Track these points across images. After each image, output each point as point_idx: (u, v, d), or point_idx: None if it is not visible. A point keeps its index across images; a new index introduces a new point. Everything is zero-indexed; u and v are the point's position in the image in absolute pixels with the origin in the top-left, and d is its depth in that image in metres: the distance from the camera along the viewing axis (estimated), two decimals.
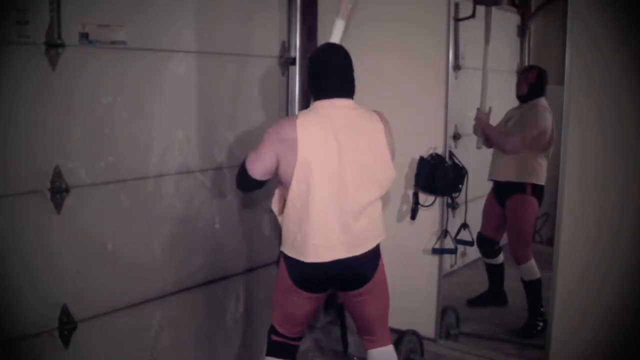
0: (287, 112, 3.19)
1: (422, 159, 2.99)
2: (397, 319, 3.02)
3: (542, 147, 3.09)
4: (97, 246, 2.37)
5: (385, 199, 3.10)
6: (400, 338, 2.90)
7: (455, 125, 3.14)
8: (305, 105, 3.03)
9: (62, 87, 2.20)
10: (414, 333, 2.99)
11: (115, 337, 2.46)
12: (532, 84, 3.14)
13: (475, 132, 3.21)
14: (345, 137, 2.16)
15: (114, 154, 2.41)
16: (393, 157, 2.31)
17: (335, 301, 3.14)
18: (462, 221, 3.16)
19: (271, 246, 3.19)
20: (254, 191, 2.50)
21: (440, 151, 3.04)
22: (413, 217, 3.08)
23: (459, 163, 3.05)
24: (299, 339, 2.43)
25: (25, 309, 2.16)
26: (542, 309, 3.05)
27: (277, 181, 2.31)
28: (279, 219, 2.35)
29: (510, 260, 3.26)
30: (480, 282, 3.36)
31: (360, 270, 2.25)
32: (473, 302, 3.37)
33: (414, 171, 3.02)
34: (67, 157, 2.25)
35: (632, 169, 2.50)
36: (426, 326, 3.13)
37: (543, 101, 3.12)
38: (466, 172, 3.06)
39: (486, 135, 3.20)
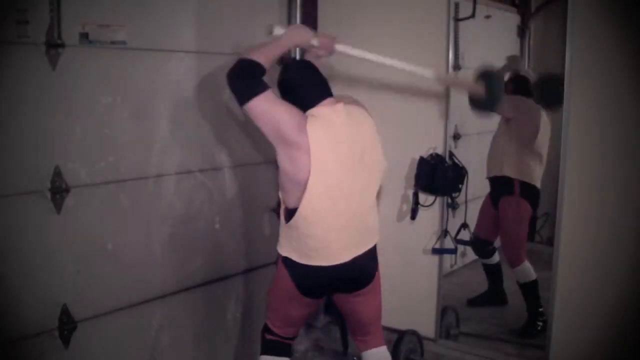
0: None
1: (422, 159, 3.00)
2: (397, 319, 3.03)
3: (527, 135, 3.08)
4: (97, 246, 2.37)
5: (385, 199, 3.13)
6: (400, 338, 2.90)
7: (455, 125, 3.14)
8: None
9: (62, 87, 2.20)
10: (414, 333, 2.99)
11: (115, 337, 2.46)
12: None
13: None
14: (349, 138, 2.13)
15: (114, 154, 2.41)
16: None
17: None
18: (462, 221, 3.16)
19: (271, 246, 3.17)
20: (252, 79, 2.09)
21: (440, 151, 3.04)
22: (413, 217, 3.08)
23: (459, 163, 3.05)
24: (294, 338, 2.43)
25: (25, 309, 2.16)
26: (541, 309, 3.04)
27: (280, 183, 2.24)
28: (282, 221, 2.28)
29: None
30: (480, 282, 3.36)
31: (364, 269, 2.25)
32: (473, 302, 3.36)
33: (414, 171, 3.02)
34: (67, 157, 2.25)
35: (632, 169, 2.50)
36: (426, 326, 3.13)
37: (531, 101, 3.10)
38: (466, 172, 3.06)
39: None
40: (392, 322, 2.98)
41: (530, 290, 3.12)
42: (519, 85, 3.12)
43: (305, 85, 2.19)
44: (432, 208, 3.10)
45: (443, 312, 3.16)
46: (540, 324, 3.02)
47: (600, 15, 2.52)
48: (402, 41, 3.07)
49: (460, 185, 3.06)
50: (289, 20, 3.17)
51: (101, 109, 2.35)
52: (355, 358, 3.10)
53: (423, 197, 3.08)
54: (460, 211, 3.15)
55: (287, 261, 2.24)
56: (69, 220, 2.26)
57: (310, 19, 3.26)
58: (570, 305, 2.66)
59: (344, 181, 2.12)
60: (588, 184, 2.61)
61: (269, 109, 2.05)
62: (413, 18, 3.07)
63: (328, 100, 2.17)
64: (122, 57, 2.39)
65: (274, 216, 3.17)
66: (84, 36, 2.25)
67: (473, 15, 2.99)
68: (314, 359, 3.22)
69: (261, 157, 3.05)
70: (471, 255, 3.36)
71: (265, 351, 2.39)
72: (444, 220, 3.11)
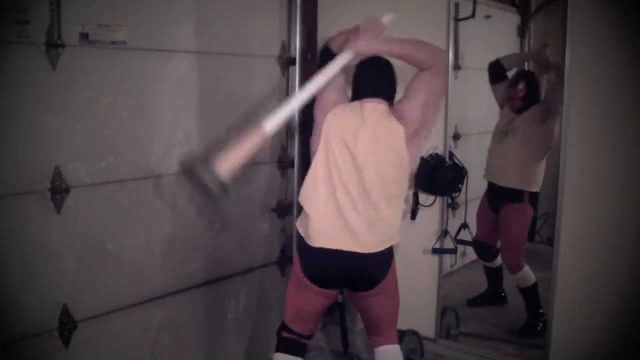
0: None
1: (422, 159, 2.99)
2: (397, 319, 3.03)
3: (543, 148, 3.05)
4: (97, 246, 2.37)
5: None
6: (400, 338, 2.88)
7: (455, 125, 3.14)
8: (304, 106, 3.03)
9: (62, 87, 2.20)
10: (414, 333, 2.99)
11: (115, 337, 2.46)
12: (525, 96, 3.10)
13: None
14: (355, 139, 2.22)
15: (114, 154, 2.41)
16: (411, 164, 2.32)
17: (335, 301, 3.14)
18: (462, 221, 3.16)
19: (271, 246, 3.19)
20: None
21: (440, 151, 3.04)
22: (413, 217, 3.08)
23: (459, 163, 3.05)
24: (309, 337, 2.44)
25: (25, 309, 2.16)
26: (541, 310, 3.04)
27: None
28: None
29: None
30: (480, 282, 3.36)
31: (371, 270, 2.27)
32: (473, 302, 3.36)
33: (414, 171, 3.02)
34: (67, 157, 2.25)
35: (632, 169, 2.50)
36: (426, 326, 3.13)
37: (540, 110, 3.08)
38: (466, 172, 3.06)
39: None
40: None
41: (530, 293, 3.12)
42: (527, 97, 3.10)
43: (359, 79, 2.38)
44: (432, 208, 3.10)
45: (443, 312, 3.16)
46: (541, 324, 3.02)
47: (600, 15, 2.52)
48: None
49: (460, 185, 3.06)
50: (289, 20, 3.17)
51: (101, 109, 2.34)
52: (355, 358, 3.10)
53: (423, 197, 3.08)
54: (460, 211, 3.15)
55: (299, 243, 2.34)
56: (69, 220, 2.26)
57: (311, 19, 3.26)
58: (570, 305, 2.66)
59: (344, 175, 2.22)
60: (588, 184, 2.61)
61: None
62: (413, 18, 3.07)
63: (367, 100, 2.29)
64: (122, 57, 2.38)
65: (274, 216, 3.17)
66: (84, 36, 2.24)
67: (473, 15, 2.99)
68: (314, 359, 3.22)
69: (262, 157, 3.05)
70: (471, 255, 3.36)
71: (280, 349, 2.41)
72: (444, 220, 3.11)
